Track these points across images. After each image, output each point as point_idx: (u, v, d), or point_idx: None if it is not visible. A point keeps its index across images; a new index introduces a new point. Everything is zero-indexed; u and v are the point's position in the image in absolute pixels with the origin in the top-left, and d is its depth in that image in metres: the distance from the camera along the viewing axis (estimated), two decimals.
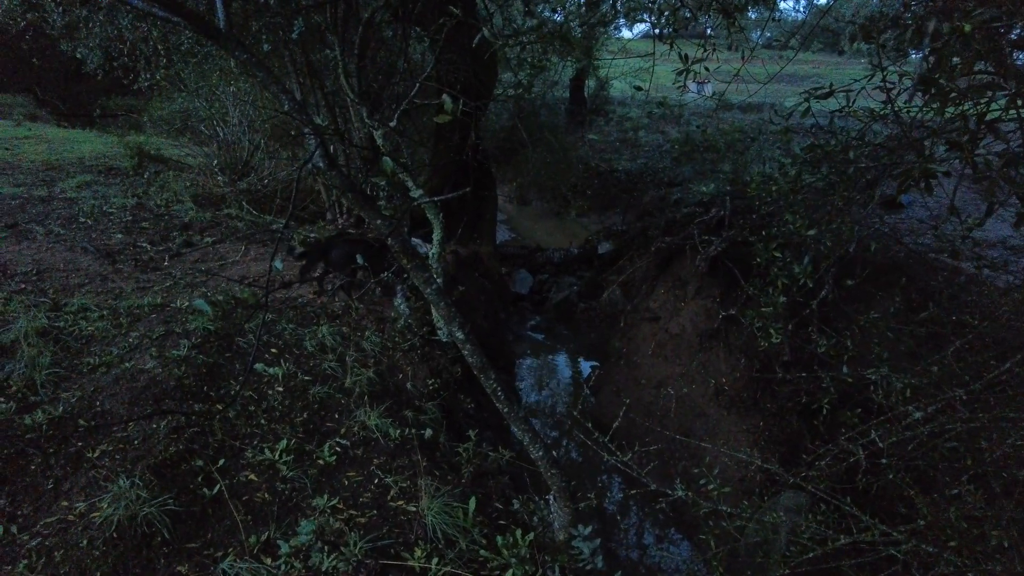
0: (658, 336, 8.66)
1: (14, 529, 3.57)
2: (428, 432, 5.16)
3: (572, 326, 11.73)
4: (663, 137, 17.61)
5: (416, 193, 5.01)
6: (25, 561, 3.40)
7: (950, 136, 3.13)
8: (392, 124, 4.84)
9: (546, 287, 13.30)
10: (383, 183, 4.00)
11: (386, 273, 6.07)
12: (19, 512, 3.66)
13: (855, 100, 4.31)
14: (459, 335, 3.76)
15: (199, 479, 4.05)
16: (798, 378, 6.24)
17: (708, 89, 19.35)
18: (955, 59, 3.10)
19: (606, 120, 20.26)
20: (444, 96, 2.64)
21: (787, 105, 20.91)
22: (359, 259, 6.03)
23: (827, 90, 3.95)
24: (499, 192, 13.84)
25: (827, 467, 4.43)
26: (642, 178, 14.89)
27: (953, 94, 3.11)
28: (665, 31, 5.99)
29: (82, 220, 8.35)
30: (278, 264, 2.60)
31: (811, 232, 4.57)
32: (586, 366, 10.39)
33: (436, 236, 6.48)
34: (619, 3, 9.28)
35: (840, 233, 4.72)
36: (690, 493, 4.30)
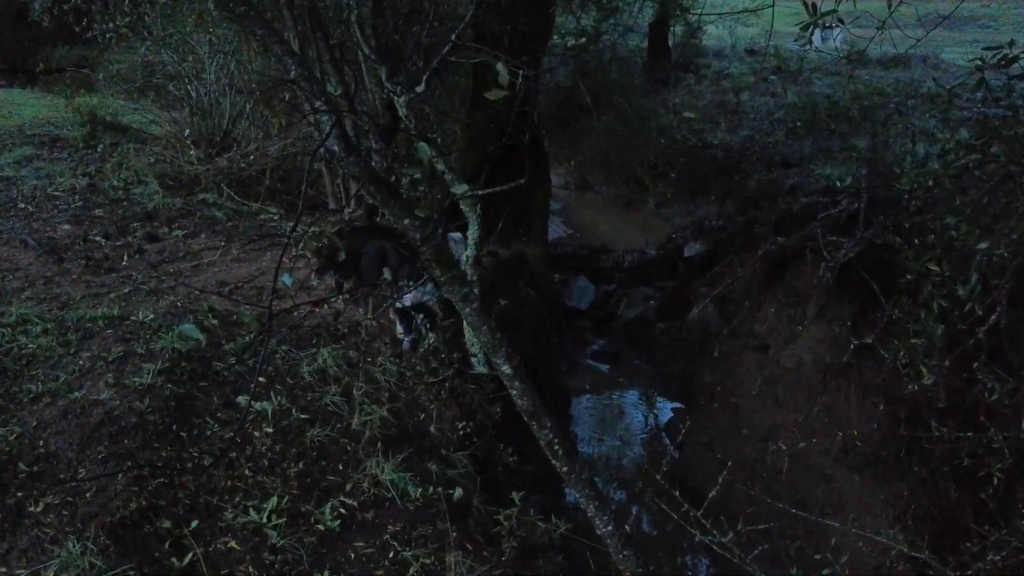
0: (766, 370, 8.58)
1: None
2: (458, 492, 5.22)
3: (648, 354, 11.71)
4: (775, 101, 17.46)
5: (459, 187, 5.10)
6: None
7: None
8: (419, 89, 4.95)
9: (613, 301, 13.32)
10: (416, 174, 4.10)
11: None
12: None
13: None
14: (506, 369, 3.82)
15: (166, 545, 4.19)
16: (958, 434, 6.11)
17: (836, 37, 19.08)
18: None
19: (697, 78, 20.20)
20: (499, 65, 2.70)
21: (944, 58, 20.47)
22: (387, 262, 6.21)
23: (1007, 52, 3.89)
24: (552, 174, 13.90)
25: (1001, 561, 4.33)
26: (746, 156, 14.79)
27: None
28: None
29: (21, 206, 8.72)
30: (287, 278, 2.70)
31: (983, 246, 4.49)
32: (667, 409, 10.36)
33: (472, 234, 6.57)
34: None
35: (1021, 244, 4.63)
36: None
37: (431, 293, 6.48)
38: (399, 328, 6.55)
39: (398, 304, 6.42)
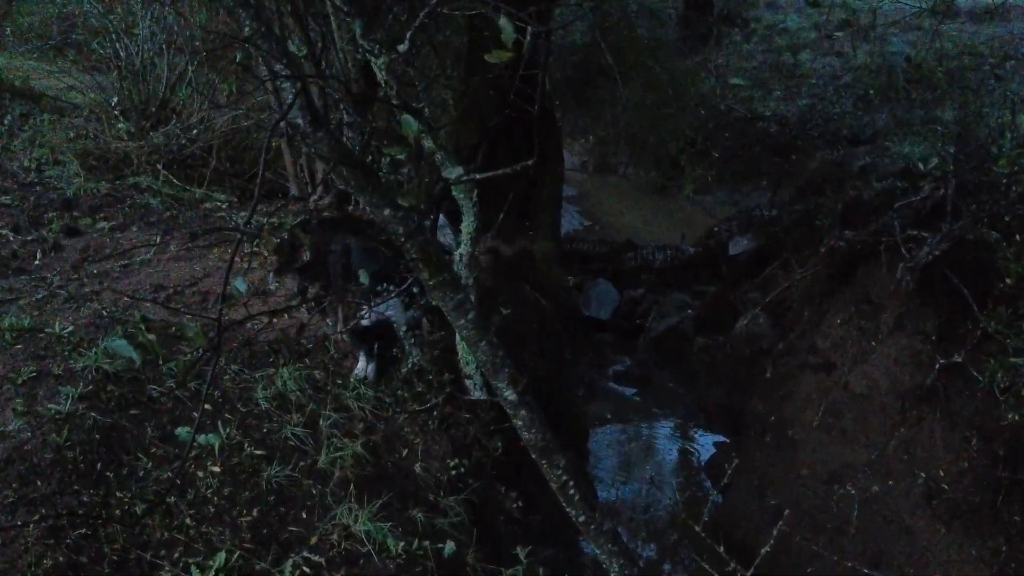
0: (831, 396, 8.57)
1: None
2: (449, 546, 5.22)
3: (683, 375, 11.71)
4: (841, 63, 17.47)
5: (452, 170, 5.10)
6: None
7: None
8: (402, 48, 4.95)
9: (640, 309, 13.33)
10: (399, 154, 4.08)
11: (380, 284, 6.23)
12: None
13: None
14: (509, 395, 3.83)
15: None
16: None
17: None
18: None
19: (745, 34, 20.21)
20: (501, 19, 2.70)
21: None
22: (362, 263, 6.19)
23: None
24: (566, 153, 13.94)
25: None
26: (805, 131, 14.83)
27: None
28: None
29: None
30: (239, 282, 2.70)
31: None
32: (707, 443, 10.37)
33: (467, 228, 6.58)
34: None
35: None
36: None
37: (397, 309, 6.42)
38: (361, 363, 6.45)
39: (363, 321, 6.38)
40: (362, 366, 6.38)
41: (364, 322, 6.32)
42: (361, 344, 6.46)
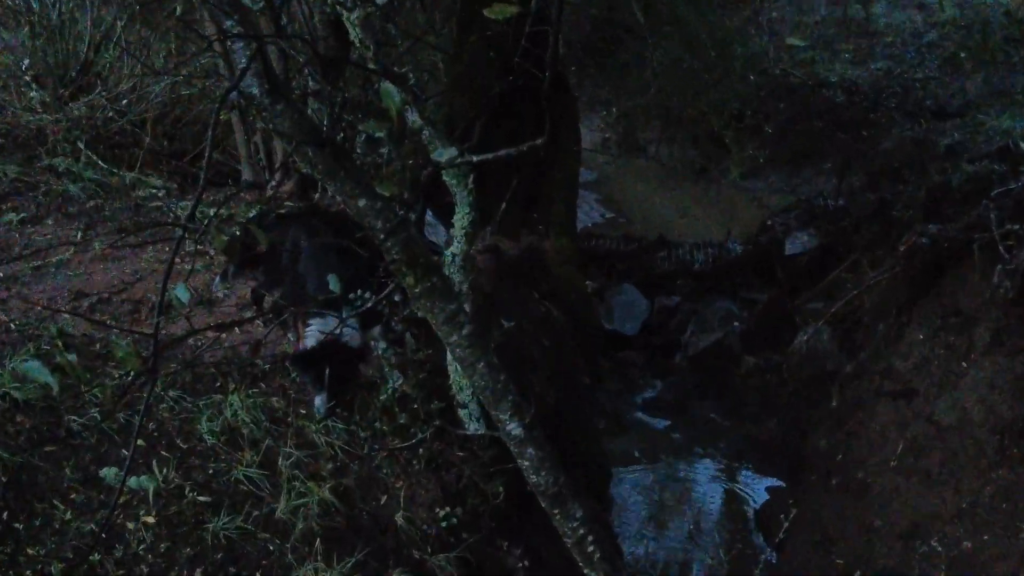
0: (911, 430, 8.57)
1: None
2: None
3: (729, 403, 11.70)
4: (924, 17, 17.47)
5: (444, 151, 5.08)
6: None
7: None
8: (381, 0, 4.96)
9: (676, 322, 13.32)
10: (378, 131, 4.05)
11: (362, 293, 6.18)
12: None
13: None
14: (513, 429, 3.83)
15: None
16: None
17: None
18: None
19: None
20: None
21: None
22: (332, 265, 6.16)
23: None
24: (583, 129, 13.91)
25: None
26: (880, 101, 14.82)
27: None
28: None
29: None
30: (180, 290, 2.70)
31: None
32: (759, 488, 10.35)
33: (460, 221, 6.57)
34: None
35: None
36: None
37: (354, 326, 6.31)
38: (317, 402, 6.34)
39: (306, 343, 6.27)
40: (319, 401, 6.26)
41: (309, 341, 6.22)
42: (307, 373, 6.32)
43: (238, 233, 6.65)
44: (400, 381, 6.61)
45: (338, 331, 6.06)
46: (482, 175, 6.88)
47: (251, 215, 8.41)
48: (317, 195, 9.06)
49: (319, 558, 5.20)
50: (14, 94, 10.60)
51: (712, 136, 16.98)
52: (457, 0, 11.28)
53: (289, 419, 6.09)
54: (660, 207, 16.84)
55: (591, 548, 4.26)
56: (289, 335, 6.66)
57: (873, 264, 10.71)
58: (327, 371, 6.14)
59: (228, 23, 3.39)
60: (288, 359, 6.42)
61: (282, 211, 7.88)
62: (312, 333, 6.14)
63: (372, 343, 6.64)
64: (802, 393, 10.69)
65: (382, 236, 3.66)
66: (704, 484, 10.61)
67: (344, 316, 5.86)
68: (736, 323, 12.65)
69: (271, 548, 5.23)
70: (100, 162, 9.84)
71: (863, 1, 18.56)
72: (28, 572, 4.68)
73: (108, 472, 5.27)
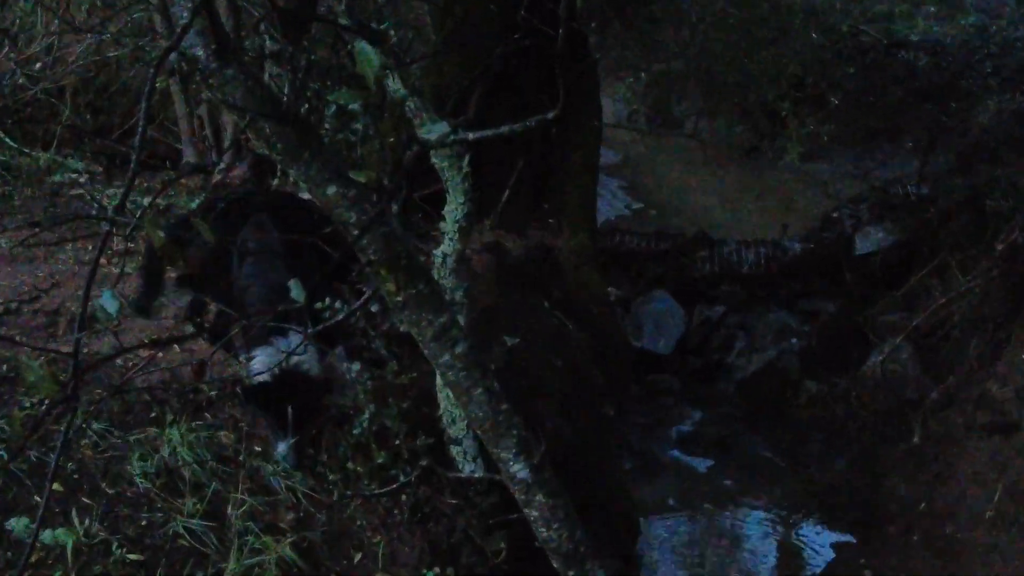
0: (1012, 471, 8.56)
1: None
2: None
3: (785, 438, 11.69)
4: None
5: (433, 126, 5.09)
6: None
7: None
8: None
9: (719, 337, 13.29)
10: (352, 101, 4.03)
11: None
12: None
13: None
14: (518, 470, 3.83)
15: None
16: None
17: None
18: None
19: None
20: None
21: None
22: (294, 268, 6.12)
23: None
24: (605, 99, 13.87)
25: None
26: (972, 65, 14.80)
27: None
28: None
29: None
30: (107, 300, 2.70)
31: None
32: (823, 543, 10.34)
33: (453, 213, 6.59)
34: None
35: None
36: None
37: (311, 353, 6.24)
38: (280, 450, 6.28)
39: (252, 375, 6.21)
40: (281, 449, 6.18)
41: (259, 375, 6.12)
42: (262, 411, 6.27)
43: (176, 227, 6.62)
44: (378, 412, 6.61)
45: (295, 356, 5.99)
46: (480, 157, 6.88)
47: (194, 206, 8.38)
48: (275, 181, 9.06)
49: None
50: None
51: (765, 108, 16.94)
52: None
53: (241, 458, 6.09)
54: (700, 196, 16.86)
55: None
56: (241, 356, 6.64)
57: (964, 267, 10.70)
58: (289, 411, 6.07)
59: None
60: (240, 390, 6.35)
61: (233, 201, 7.85)
62: (260, 364, 6.09)
63: (341, 366, 6.64)
64: (876, 427, 10.69)
65: (356, 232, 3.66)
66: (755, 539, 10.61)
67: (300, 336, 5.79)
68: (794, 339, 12.65)
69: None
70: (7, 140, 9.84)
71: None
72: None
73: (17, 523, 5.28)
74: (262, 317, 5.86)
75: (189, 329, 6.93)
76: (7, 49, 10.71)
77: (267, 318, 5.80)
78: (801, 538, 10.53)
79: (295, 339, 5.86)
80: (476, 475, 6.67)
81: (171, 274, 7.04)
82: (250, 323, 6.09)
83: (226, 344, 6.49)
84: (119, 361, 6.28)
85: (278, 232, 6.62)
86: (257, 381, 6.05)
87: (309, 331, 5.51)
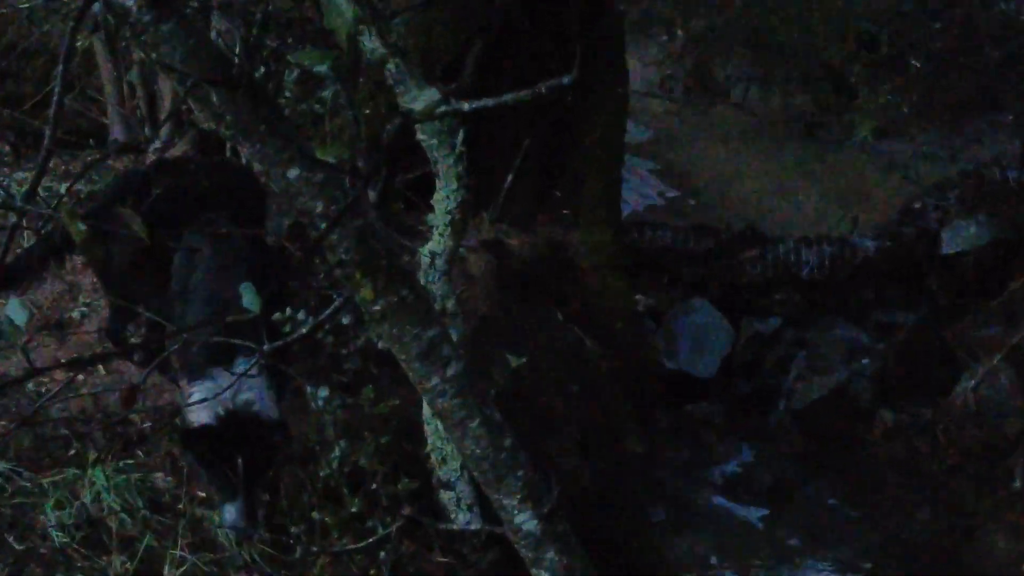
0: None
1: None
2: None
3: (855, 480, 11.68)
4: None
5: (419, 93, 5.08)
6: None
7: None
8: None
9: (773, 356, 13.27)
10: (320, 63, 4.01)
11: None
12: None
13: None
14: (526, 522, 3.82)
15: None
16: None
17: None
18: None
19: None
20: None
21: None
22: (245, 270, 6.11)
23: None
24: (632, 62, 13.87)
25: None
26: None
27: None
28: None
29: None
30: (15, 311, 2.70)
31: None
32: None
33: (443, 201, 6.60)
34: None
35: None
36: None
37: (259, 388, 6.08)
38: (228, 517, 6.13)
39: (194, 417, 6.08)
40: (230, 514, 6.00)
41: (200, 415, 5.98)
42: (205, 465, 6.01)
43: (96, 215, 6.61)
44: (350, 449, 6.61)
45: (241, 393, 5.86)
46: (477, 133, 6.89)
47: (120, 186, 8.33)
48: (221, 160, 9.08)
49: None
50: None
51: (829, 73, 16.99)
52: None
53: (180, 506, 6.10)
54: (750, 181, 16.85)
55: None
56: (180, 381, 6.60)
57: None
58: (240, 463, 5.83)
59: None
60: (178, 435, 6.24)
61: (173, 185, 7.82)
62: (200, 399, 5.83)
63: (312, 401, 6.62)
64: (968, 468, 10.70)
65: (323, 225, 3.65)
66: None
67: (250, 362, 5.64)
68: (866, 360, 12.64)
69: None
70: None
71: None
72: None
73: None
74: (200, 332, 5.74)
75: (111, 349, 6.92)
76: None
77: (206, 332, 5.68)
78: None
79: (244, 367, 5.75)
80: (472, 527, 6.68)
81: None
82: (186, 343, 6.01)
83: (162, 365, 6.45)
84: (30, 385, 6.30)
85: (229, 220, 6.61)
86: (196, 424, 5.87)
87: (265, 348, 5.24)
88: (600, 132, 11.65)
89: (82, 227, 4.71)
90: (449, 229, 6.62)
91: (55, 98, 2.99)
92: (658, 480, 11.32)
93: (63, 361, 6.40)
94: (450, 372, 4.00)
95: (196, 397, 5.82)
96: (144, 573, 5.69)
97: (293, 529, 6.21)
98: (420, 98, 5.91)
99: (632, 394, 10.91)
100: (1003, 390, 10.79)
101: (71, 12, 8.32)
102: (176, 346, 5.99)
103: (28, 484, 5.93)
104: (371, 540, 6.31)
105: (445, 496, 6.80)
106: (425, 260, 6.62)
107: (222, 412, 5.78)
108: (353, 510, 6.40)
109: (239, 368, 5.66)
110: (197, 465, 6.07)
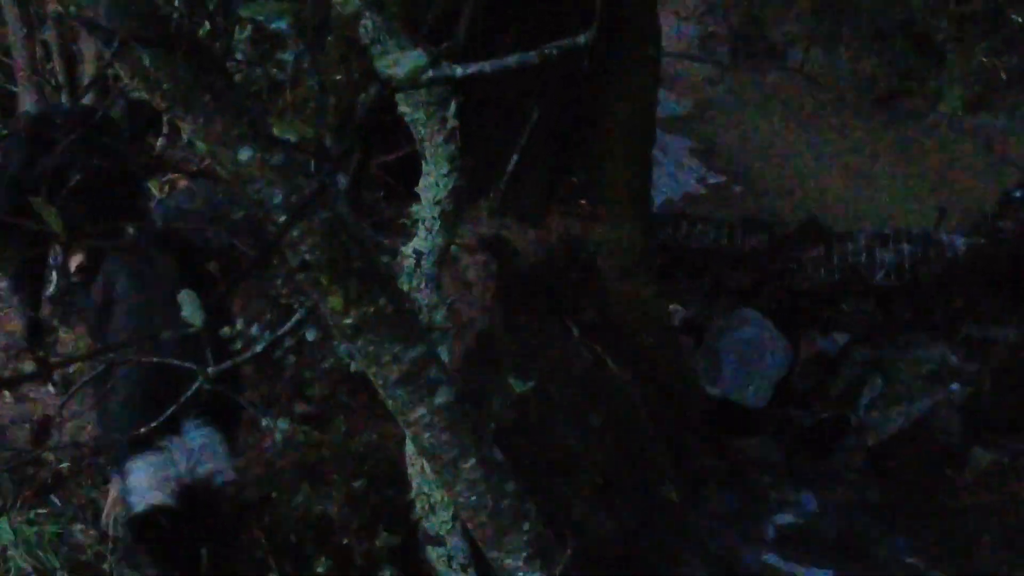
0: None
1: None
2: None
3: (942, 532, 11.70)
4: None
5: (402, 60, 5.10)
6: None
7: None
8: None
9: (840, 380, 13.24)
10: (279, 19, 4.01)
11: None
12: None
13: None
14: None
15: None
16: None
17: None
18: None
19: None
20: None
21: None
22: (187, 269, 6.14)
23: None
24: (667, 16, 13.90)
25: None
26: None
27: None
28: None
29: None
30: None
31: None
32: None
33: (432, 189, 6.63)
34: None
35: None
36: None
37: (215, 450, 5.97)
38: None
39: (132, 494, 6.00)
40: None
41: (147, 497, 5.87)
42: (158, 558, 5.84)
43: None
44: (315, 495, 6.63)
45: (201, 464, 5.76)
46: (473, 105, 6.89)
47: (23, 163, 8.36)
48: (160, 141, 9.11)
49: None
50: None
51: (910, 34, 17.03)
52: None
53: (105, 565, 6.11)
54: (810, 164, 16.90)
55: None
56: (111, 472, 6.59)
57: None
58: (202, 552, 5.72)
59: None
60: (124, 525, 6.12)
61: (94, 170, 7.84)
62: (144, 479, 5.69)
63: (269, 437, 6.61)
64: None
65: (283, 218, 3.65)
66: None
67: (204, 421, 5.53)
68: (955, 385, 12.64)
69: None
70: None
71: None
72: None
73: None
74: (127, 353, 5.65)
75: (26, 368, 6.96)
76: None
77: (133, 353, 5.59)
78: None
79: (198, 430, 5.67)
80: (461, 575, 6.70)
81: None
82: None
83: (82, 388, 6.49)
84: None
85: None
86: (146, 506, 5.71)
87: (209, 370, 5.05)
88: (626, 104, 11.66)
89: None
90: (438, 223, 6.63)
91: None
92: (697, 534, 11.32)
93: None
94: (439, 400, 3.99)
95: (138, 474, 5.67)
96: None
97: None
98: (402, 62, 5.91)
99: (665, 427, 10.92)
100: None
101: None
102: (98, 371, 5.98)
103: None
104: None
105: (434, 554, 6.80)
106: (410, 262, 6.63)
107: (178, 489, 5.69)
108: (320, 570, 6.42)
109: (192, 432, 5.61)
110: (148, 557, 5.88)
